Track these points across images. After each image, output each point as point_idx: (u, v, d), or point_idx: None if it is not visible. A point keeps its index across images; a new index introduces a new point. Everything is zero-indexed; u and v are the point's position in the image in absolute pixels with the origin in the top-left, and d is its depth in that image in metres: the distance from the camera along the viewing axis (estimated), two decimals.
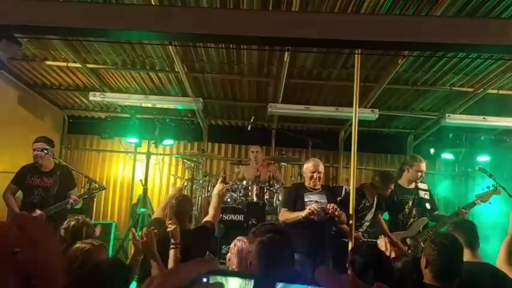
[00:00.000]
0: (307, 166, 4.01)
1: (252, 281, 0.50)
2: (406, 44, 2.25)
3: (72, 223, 2.94)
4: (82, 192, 4.55)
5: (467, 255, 2.44)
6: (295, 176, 6.51)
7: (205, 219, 3.25)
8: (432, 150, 6.72)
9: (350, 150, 3.69)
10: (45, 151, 4.36)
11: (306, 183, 4.01)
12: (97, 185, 4.65)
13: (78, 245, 2.32)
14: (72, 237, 2.77)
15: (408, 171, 4.33)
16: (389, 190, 4.18)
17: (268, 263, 2.09)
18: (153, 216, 3.33)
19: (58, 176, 4.38)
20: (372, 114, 5.67)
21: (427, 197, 4.33)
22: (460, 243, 2.29)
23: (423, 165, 4.30)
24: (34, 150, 4.36)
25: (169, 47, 4.31)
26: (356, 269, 2.00)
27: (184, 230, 3.07)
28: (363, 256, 2.02)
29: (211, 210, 3.26)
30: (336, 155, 7.57)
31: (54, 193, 4.31)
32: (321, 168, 3.98)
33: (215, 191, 3.33)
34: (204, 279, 0.46)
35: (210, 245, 2.59)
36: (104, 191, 6.88)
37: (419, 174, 4.29)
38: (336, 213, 3.63)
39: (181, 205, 3.06)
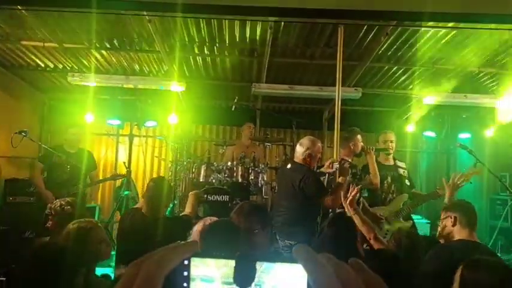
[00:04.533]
0: (319, 147, 3.64)
1: (233, 261, 0.49)
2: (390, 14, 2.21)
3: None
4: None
5: (464, 234, 2.55)
6: (280, 156, 6.52)
7: (183, 213, 3.30)
8: (412, 128, 6.81)
9: (334, 130, 3.67)
10: (23, 134, 4.50)
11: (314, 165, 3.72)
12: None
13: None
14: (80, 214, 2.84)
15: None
16: (360, 145, 4.20)
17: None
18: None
19: (82, 157, 4.75)
20: (355, 93, 5.68)
21: (405, 174, 4.42)
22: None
23: (382, 136, 4.44)
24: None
25: (149, 24, 4.19)
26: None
27: (161, 218, 3.06)
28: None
29: (188, 208, 3.33)
30: (320, 134, 7.59)
31: (80, 172, 4.66)
32: None
33: (192, 192, 3.51)
34: (186, 262, 0.46)
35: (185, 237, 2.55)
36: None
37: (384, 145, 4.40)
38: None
39: (155, 190, 3.06)
